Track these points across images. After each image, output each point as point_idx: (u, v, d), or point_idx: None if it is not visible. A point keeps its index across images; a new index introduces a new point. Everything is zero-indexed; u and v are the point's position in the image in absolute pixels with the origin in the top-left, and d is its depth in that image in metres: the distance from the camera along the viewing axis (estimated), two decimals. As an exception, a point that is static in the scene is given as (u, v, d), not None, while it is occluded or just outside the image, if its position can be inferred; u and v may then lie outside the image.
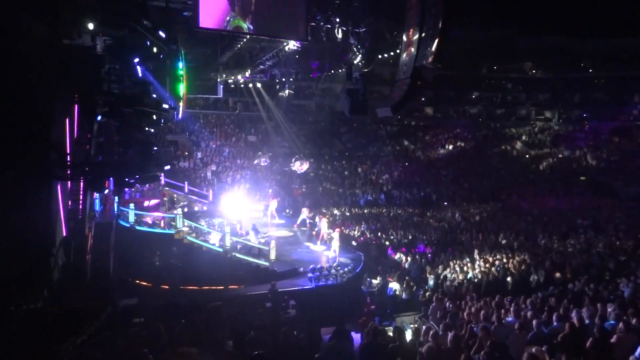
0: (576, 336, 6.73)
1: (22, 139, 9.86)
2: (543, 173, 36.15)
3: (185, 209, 19.08)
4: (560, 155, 38.24)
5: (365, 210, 27.28)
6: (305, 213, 20.76)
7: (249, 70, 22.12)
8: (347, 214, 25.90)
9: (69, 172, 13.12)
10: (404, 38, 11.65)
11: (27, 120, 10.13)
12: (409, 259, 16.85)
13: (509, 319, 9.10)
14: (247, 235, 16.62)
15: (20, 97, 9.42)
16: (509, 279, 14.15)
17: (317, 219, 20.22)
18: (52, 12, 10.76)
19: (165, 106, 19.34)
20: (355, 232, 21.61)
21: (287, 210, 23.56)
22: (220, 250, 15.12)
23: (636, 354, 6.13)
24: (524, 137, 41.21)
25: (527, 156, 38.87)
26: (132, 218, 15.91)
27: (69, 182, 13.04)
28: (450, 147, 38.87)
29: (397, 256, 17.64)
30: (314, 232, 19.28)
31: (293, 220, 21.65)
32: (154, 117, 17.38)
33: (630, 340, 6.58)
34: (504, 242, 19.59)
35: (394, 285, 13.99)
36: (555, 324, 8.12)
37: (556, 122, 42.96)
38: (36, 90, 10.02)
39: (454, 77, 37.17)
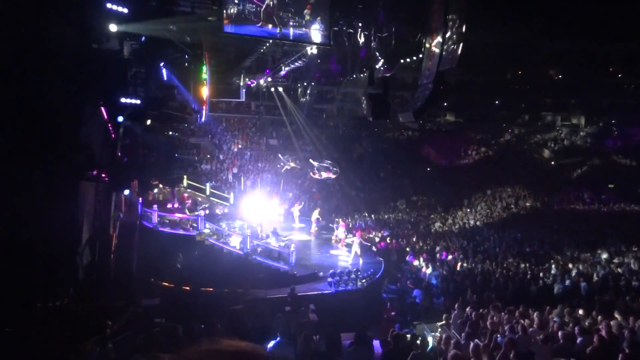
0: (606, 350, 6.48)
1: (51, 140, 10.15)
2: (570, 180, 35.28)
3: (207, 211, 19.27)
4: (588, 162, 37.28)
5: (386, 216, 27.09)
6: (315, 214, 20.67)
7: (271, 74, 22.28)
8: (368, 218, 25.77)
9: (95, 173, 13.50)
10: (427, 43, 11.61)
11: (56, 122, 10.43)
12: (430, 265, 16.64)
13: (534, 329, 8.87)
14: (267, 239, 16.67)
15: (50, 99, 9.72)
16: (533, 287, 13.82)
17: (335, 225, 20.18)
18: (82, 18, 11.09)
19: (189, 110, 19.71)
20: (376, 238, 21.46)
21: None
22: (241, 253, 15.18)
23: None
24: (549, 144, 40.36)
25: (552, 163, 38.02)
26: (154, 219, 16.15)
27: (96, 183, 13.41)
28: (473, 153, 38.32)
29: (417, 262, 17.45)
30: (333, 238, 19.20)
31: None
32: (178, 120, 17.78)
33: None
34: (528, 249, 19.17)
35: (415, 292, 13.83)
36: (581, 336, 7.86)
37: (583, 128, 41.94)
38: (65, 93, 10.31)
39: (477, 82, 36.68)
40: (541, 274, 15.11)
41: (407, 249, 19.64)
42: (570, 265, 16.25)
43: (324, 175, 22.50)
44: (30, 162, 9.21)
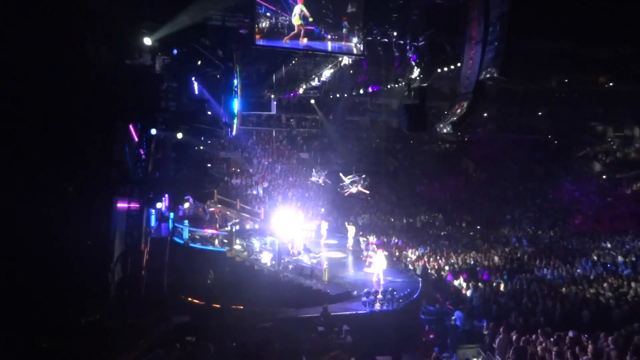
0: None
1: (85, 156, 10.59)
2: (623, 195, 33.76)
3: (237, 227, 19.46)
4: (642, 176, 35.62)
5: (423, 232, 26.69)
6: (351, 230, 20.59)
7: (303, 87, 22.55)
8: (403, 235, 25.44)
9: (128, 188, 13.94)
10: (465, 51, 11.49)
11: (90, 138, 10.88)
12: (470, 286, 16.22)
13: (587, 358, 8.45)
14: (299, 255, 16.65)
15: (84, 115, 10.16)
16: (585, 311, 13.21)
17: (363, 242, 20.06)
18: (117, 35, 11.61)
19: (221, 123, 20.13)
20: (412, 255, 21.15)
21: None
22: (272, 270, 15.23)
23: None
24: (600, 157, 38.84)
25: (604, 177, 36.54)
26: (185, 235, 16.45)
27: (128, 198, 13.84)
28: (516, 166, 37.35)
29: (457, 282, 17.05)
30: (362, 257, 19.11)
31: (346, 241, 21.61)
32: (209, 133, 18.13)
33: None
34: (579, 271, 18.40)
35: (455, 314, 13.49)
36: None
37: (638, 139, 40.17)
38: (99, 108, 10.76)
39: (519, 91, 35.90)
40: (595, 297, 14.42)
41: (446, 268, 19.22)
42: (627, 287, 15.46)
43: (354, 189, 22.36)
44: (64, 177, 9.60)
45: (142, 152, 14.40)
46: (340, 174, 23.83)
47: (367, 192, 23.32)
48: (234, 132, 23.57)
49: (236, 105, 21.63)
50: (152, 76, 14.10)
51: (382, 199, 31.76)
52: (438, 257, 20.71)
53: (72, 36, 9.37)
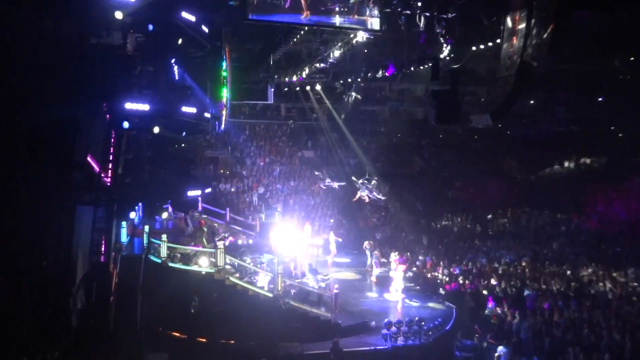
0: None
1: (41, 155, 10.58)
2: None
3: (227, 242, 19.45)
4: None
5: (457, 248, 26.52)
6: (365, 244, 20.79)
7: (307, 70, 22.57)
8: (432, 252, 25.33)
9: (94, 195, 13.99)
10: (507, 24, 11.52)
11: (46, 133, 10.87)
12: (517, 314, 16.12)
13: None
14: (303, 278, 16.64)
15: (38, 104, 10.16)
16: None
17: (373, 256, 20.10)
18: (79, 8, 11.65)
19: (206, 115, 20.17)
20: (444, 277, 21.02)
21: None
22: (270, 295, 15.16)
23: None
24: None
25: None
26: (163, 252, 16.46)
27: (94, 208, 13.86)
28: (571, 164, 37.13)
29: (500, 309, 16.95)
30: (368, 268, 19.13)
31: (360, 258, 21.51)
32: (192, 128, 18.21)
33: None
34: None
35: (498, 350, 13.42)
36: None
37: None
38: (58, 97, 10.77)
39: (574, 73, 35.67)
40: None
41: (485, 292, 19.10)
42: None
43: (366, 195, 22.40)
44: (15, 182, 9.60)
45: (111, 151, 14.47)
46: (353, 178, 23.86)
47: (382, 197, 23.35)
48: (222, 126, 23.61)
49: (225, 93, 21.69)
50: (123, 58, 14.17)
51: (404, 208, 31.65)
52: (476, 279, 20.57)
53: (22, 9, 9.40)
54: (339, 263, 21.27)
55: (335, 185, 25.86)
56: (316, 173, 27.65)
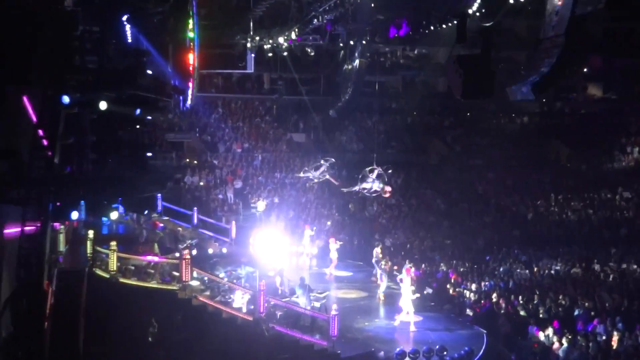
0: None
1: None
2: None
3: (194, 251, 19.45)
4: None
5: (487, 257, 26.60)
6: (378, 252, 20.97)
7: (297, 30, 22.47)
8: (457, 262, 25.40)
9: (22, 191, 13.93)
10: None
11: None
12: (565, 340, 16.24)
13: None
14: (292, 296, 16.73)
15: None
16: None
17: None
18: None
19: (168, 88, 20.01)
20: (471, 294, 21.11)
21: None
22: (250, 318, 15.23)
23: None
24: None
25: None
26: (113, 265, 16.43)
27: (22, 207, 13.78)
28: (636, 150, 37.10)
29: (543, 335, 17.07)
30: (373, 278, 19.22)
31: (366, 272, 21.56)
32: (149, 104, 18.09)
33: None
34: None
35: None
36: None
37: None
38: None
39: (638, 33, 35.65)
40: None
41: (523, 313, 19.21)
42: None
43: (368, 187, 22.31)
44: None
45: (44, 135, 14.37)
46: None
47: (388, 191, 23.24)
48: (188, 103, 23.49)
49: (192, 60, 21.57)
50: (60, 15, 14.06)
51: (422, 206, 31.65)
52: (513, 296, 20.66)
53: None
54: (340, 277, 21.33)
55: (336, 182, 25.70)
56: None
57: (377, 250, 21.12)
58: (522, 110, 38.20)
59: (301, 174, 24.00)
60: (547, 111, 39.36)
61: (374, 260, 20.81)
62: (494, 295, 20.69)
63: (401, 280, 17.64)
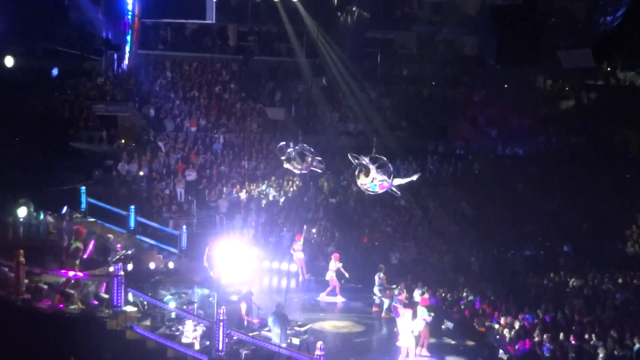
0: None
1: None
2: None
3: (130, 265, 19.37)
4: None
5: (529, 282, 26.76)
6: (382, 277, 21.60)
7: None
8: (487, 287, 25.52)
9: None
10: None
11: None
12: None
13: None
14: (263, 329, 16.82)
15: None
16: None
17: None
18: None
19: (98, 42, 19.91)
20: (507, 330, 21.16)
21: None
22: (204, 358, 15.13)
23: None
24: None
25: None
26: (20, 283, 16.30)
27: None
28: None
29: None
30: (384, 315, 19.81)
31: (364, 299, 21.54)
32: (73, 64, 17.98)
33: None
34: None
35: None
36: None
37: None
38: None
39: None
40: None
41: (573, 356, 19.28)
42: None
43: (368, 182, 22.40)
44: None
45: None
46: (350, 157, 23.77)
47: (392, 184, 23.32)
48: (125, 62, 23.48)
49: (131, 4, 21.54)
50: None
51: (441, 210, 31.75)
52: (561, 334, 20.74)
53: None
54: (329, 304, 21.71)
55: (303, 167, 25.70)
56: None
57: (381, 276, 21.32)
58: (579, 80, 38.32)
59: (284, 164, 23.85)
60: (612, 85, 39.52)
61: (376, 289, 21.05)
62: (536, 333, 20.78)
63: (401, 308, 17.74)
